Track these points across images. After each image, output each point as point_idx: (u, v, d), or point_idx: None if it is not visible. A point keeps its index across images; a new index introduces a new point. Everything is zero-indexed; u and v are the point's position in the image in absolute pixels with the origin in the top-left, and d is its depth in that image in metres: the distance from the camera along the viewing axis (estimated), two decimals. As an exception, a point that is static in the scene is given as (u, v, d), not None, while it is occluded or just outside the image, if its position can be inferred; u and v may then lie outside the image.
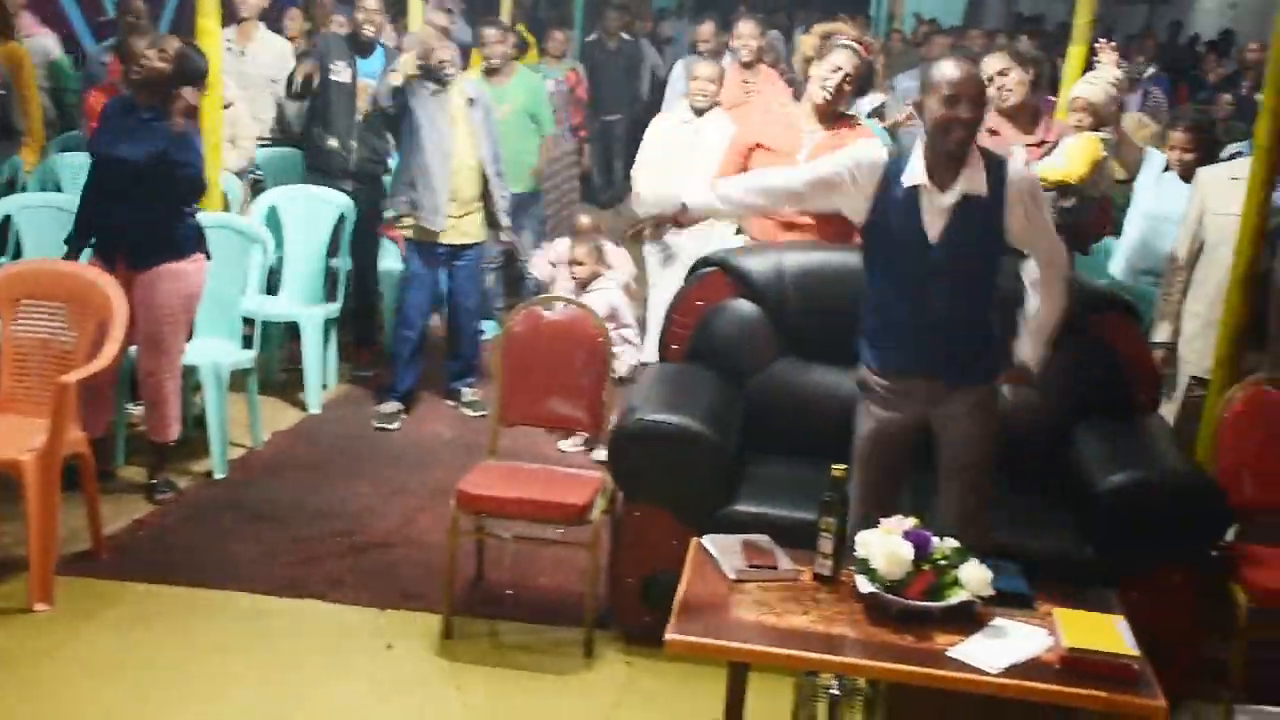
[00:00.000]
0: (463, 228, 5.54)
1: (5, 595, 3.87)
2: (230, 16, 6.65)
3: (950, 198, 3.15)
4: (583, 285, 5.48)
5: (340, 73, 6.03)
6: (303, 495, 4.82)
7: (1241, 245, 4.10)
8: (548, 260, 6.15)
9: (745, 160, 4.66)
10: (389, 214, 5.58)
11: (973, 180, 3.15)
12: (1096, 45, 5.09)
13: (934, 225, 3.17)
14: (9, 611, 3.79)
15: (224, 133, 5.54)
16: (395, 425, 5.56)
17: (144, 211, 4.46)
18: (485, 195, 5.55)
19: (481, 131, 5.48)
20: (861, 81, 4.59)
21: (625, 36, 10.83)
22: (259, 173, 6.47)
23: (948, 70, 3.10)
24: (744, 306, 4.22)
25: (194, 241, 4.65)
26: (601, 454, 5.25)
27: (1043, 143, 4.64)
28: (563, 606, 4.01)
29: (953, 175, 3.14)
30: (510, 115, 6.74)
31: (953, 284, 3.24)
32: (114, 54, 6.27)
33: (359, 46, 6.13)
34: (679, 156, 5.71)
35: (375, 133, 6.04)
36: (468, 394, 5.79)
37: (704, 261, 4.40)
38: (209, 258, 4.71)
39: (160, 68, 4.43)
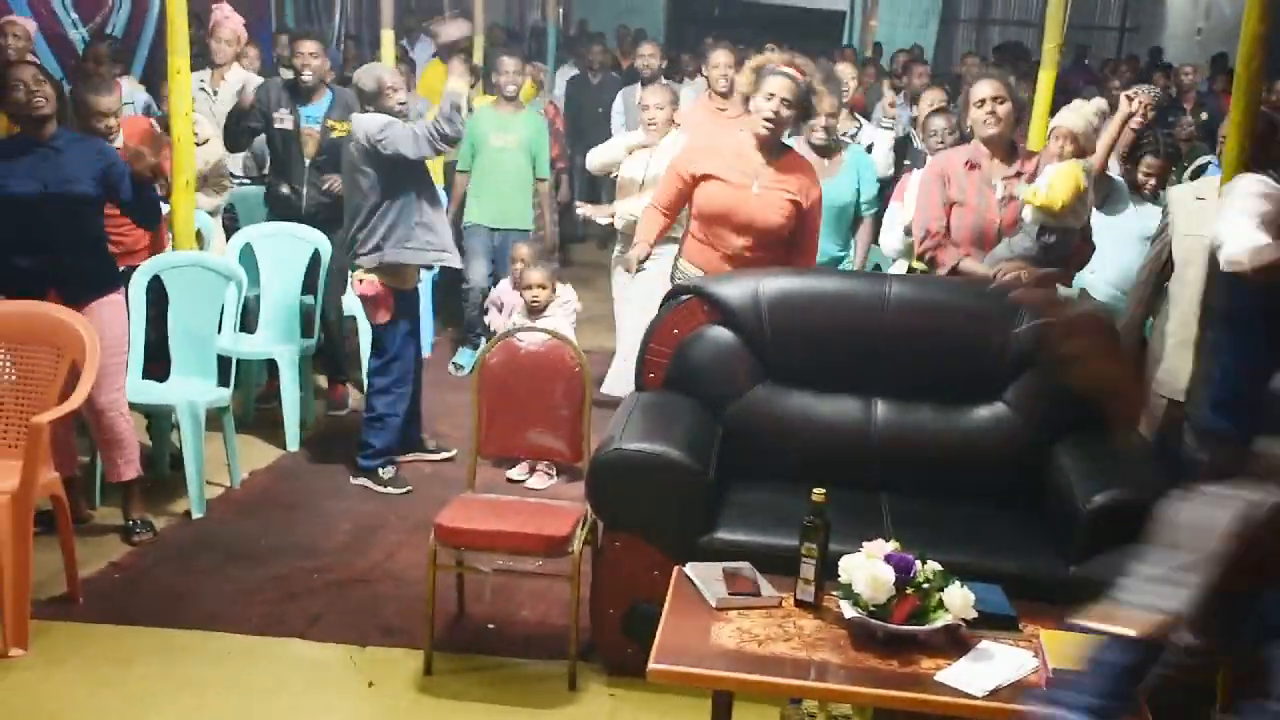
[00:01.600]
0: None
1: (-21, 640, 3.82)
2: (206, 62, 6.67)
3: None
4: (538, 312, 5.46)
5: (283, 120, 6.01)
6: (281, 533, 4.77)
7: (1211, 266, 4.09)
8: (493, 304, 6.20)
9: (690, 188, 4.64)
10: (427, 261, 5.31)
11: None
12: (1129, 95, 5.12)
13: None
14: (-17, 657, 3.74)
15: (198, 170, 5.51)
16: (407, 487, 5.28)
17: (77, 244, 4.47)
18: None
19: None
20: (803, 106, 4.55)
21: (612, 73, 10.86)
22: (233, 211, 6.46)
23: None
24: (721, 333, 4.20)
25: (120, 273, 4.73)
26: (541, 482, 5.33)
27: (1019, 174, 4.63)
28: (545, 639, 3.97)
29: None
30: (513, 146, 6.79)
31: None
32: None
33: (300, 93, 6.09)
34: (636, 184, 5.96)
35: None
36: (431, 441, 5.65)
37: (680, 289, 4.40)
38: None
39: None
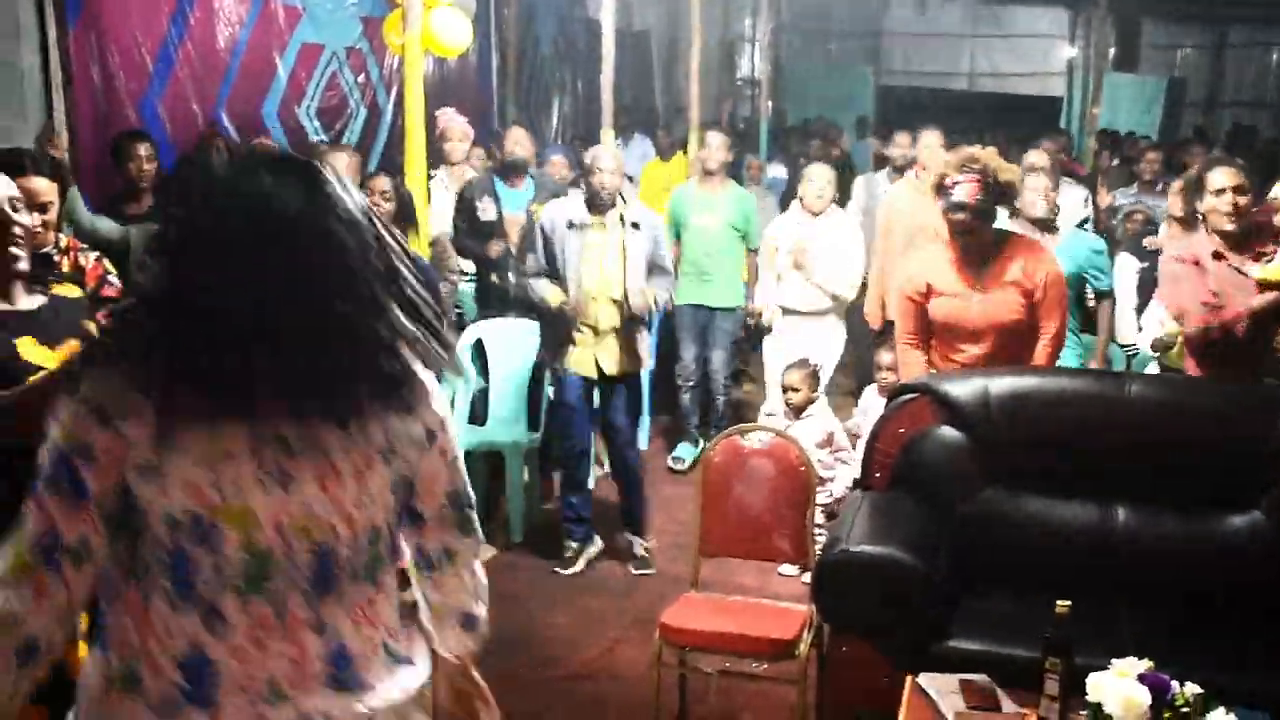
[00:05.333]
0: None
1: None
2: (438, 161, 6.98)
3: None
4: (797, 411, 5.42)
5: (486, 210, 6.19)
6: (503, 625, 4.81)
7: None
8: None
9: (922, 306, 4.51)
10: None
11: None
12: None
13: None
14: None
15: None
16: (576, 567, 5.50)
17: None
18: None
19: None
20: (996, 191, 4.37)
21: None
22: (460, 307, 6.69)
23: None
24: (949, 433, 4.10)
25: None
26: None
27: (1260, 255, 4.37)
28: (769, 744, 3.90)
29: None
30: (718, 224, 6.79)
31: None
32: None
33: (507, 175, 6.29)
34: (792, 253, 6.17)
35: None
36: (639, 547, 5.56)
37: (906, 388, 4.33)
38: None
39: (388, 209, 4.69)
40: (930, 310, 4.49)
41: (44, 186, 3.44)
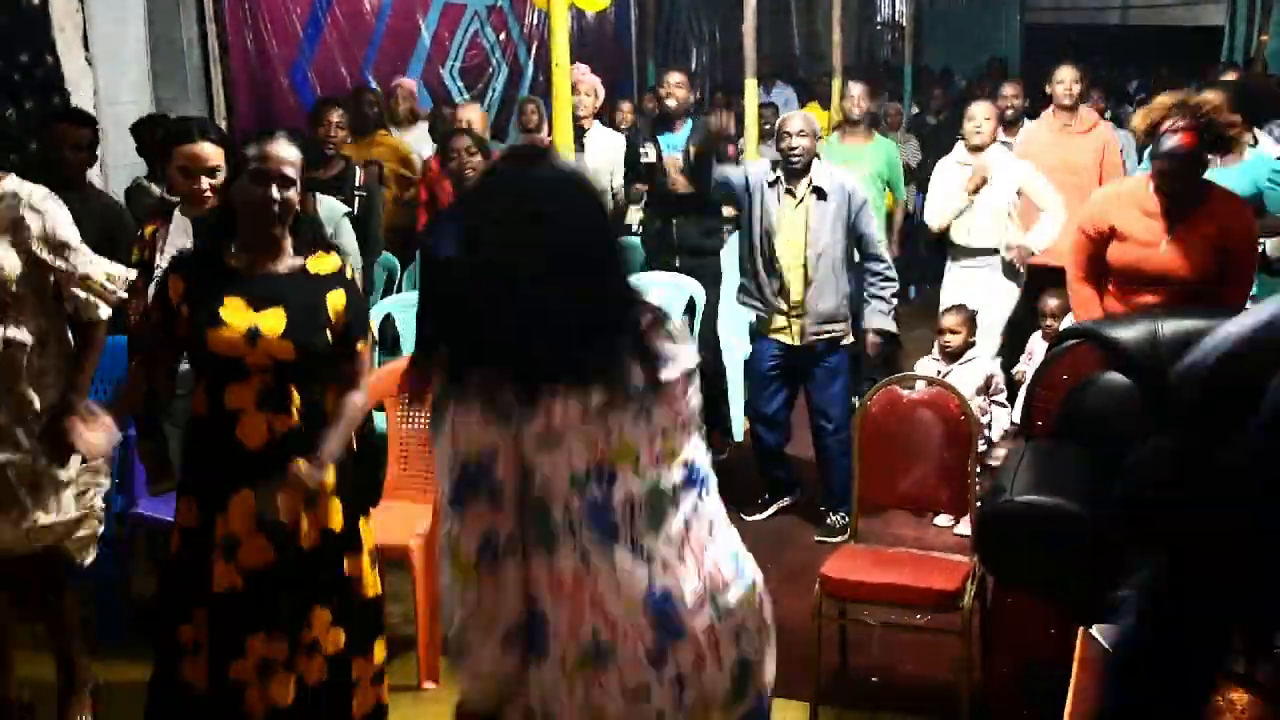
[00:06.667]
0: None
1: (397, 672, 4.05)
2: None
3: None
4: (953, 357, 5.31)
5: (648, 154, 6.20)
6: (661, 576, 4.88)
7: None
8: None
9: (1100, 245, 4.33)
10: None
11: None
12: None
13: None
14: (400, 689, 3.95)
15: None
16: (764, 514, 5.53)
17: None
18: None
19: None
20: (1211, 138, 4.13)
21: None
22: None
23: None
24: (1114, 380, 3.96)
25: None
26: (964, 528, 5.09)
27: None
28: (932, 697, 3.86)
29: None
30: (864, 179, 6.70)
31: None
32: (434, 155, 6.72)
33: (664, 120, 6.28)
34: (959, 192, 5.94)
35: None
36: (832, 518, 5.37)
37: (1068, 333, 4.20)
38: None
39: (475, 162, 4.69)
40: (1109, 254, 4.32)
41: (211, 152, 3.56)
